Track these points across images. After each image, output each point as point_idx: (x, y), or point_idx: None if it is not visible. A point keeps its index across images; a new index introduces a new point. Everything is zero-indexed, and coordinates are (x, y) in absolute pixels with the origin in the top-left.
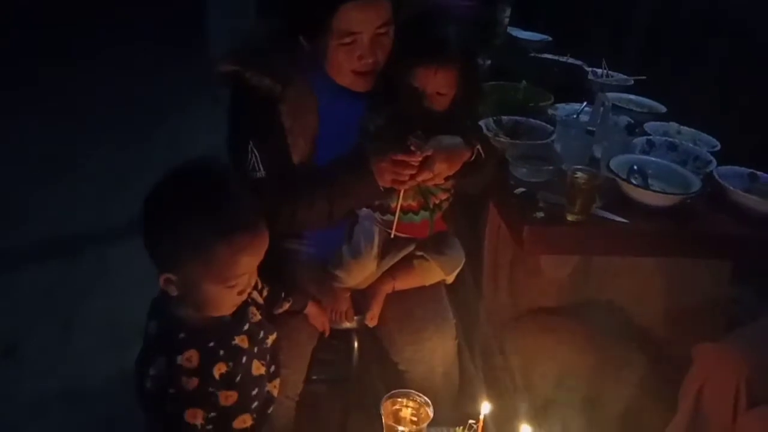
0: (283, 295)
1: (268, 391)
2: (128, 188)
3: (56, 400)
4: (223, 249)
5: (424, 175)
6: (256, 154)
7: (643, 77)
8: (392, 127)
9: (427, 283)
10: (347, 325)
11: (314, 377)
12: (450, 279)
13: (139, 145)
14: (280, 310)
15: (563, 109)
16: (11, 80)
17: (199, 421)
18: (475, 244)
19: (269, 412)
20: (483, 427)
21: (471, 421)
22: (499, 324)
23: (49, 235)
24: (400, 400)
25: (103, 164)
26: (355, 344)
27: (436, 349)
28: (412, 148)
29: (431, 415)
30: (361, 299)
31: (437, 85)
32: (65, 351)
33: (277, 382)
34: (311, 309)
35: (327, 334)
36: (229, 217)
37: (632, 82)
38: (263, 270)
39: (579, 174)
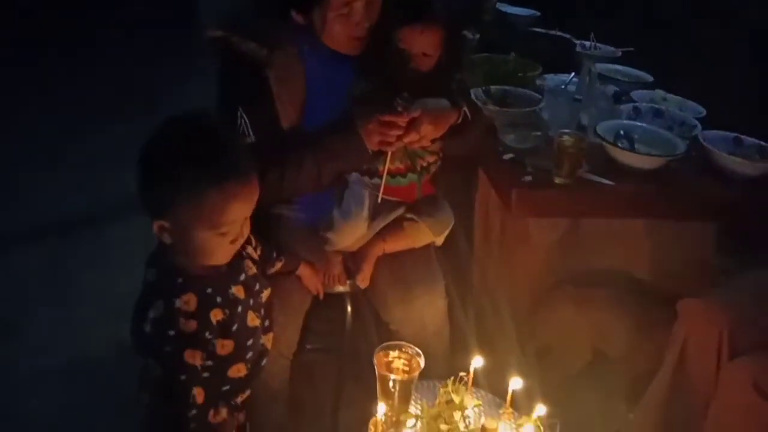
0: (275, 255)
1: (262, 344)
2: (122, 169)
3: (56, 372)
4: (214, 195)
5: (411, 137)
6: (246, 119)
7: (631, 48)
8: (379, 91)
9: (417, 245)
10: (340, 288)
11: (308, 347)
12: (439, 241)
13: (131, 127)
14: (273, 270)
15: (551, 79)
16: (9, 66)
17: (198, 362)
18: (466, 212)
19: (263, 364)
20: (473, 380)
21: (462, 374)
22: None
23: (46, 215)
24: (392, 352)
25: (97, 146)
26: (348, 308)
27: (425, 308)
28: (399, 109)
29: (422, 365)
30: (352, 263)
31: (423, 45)
32: (64, 325)
33: (270, 336)
34: (304, 270)
35: (321, 296)
36: (220, 163)
37: (620, 53)
38: (255, 235)
39: (566, 137)
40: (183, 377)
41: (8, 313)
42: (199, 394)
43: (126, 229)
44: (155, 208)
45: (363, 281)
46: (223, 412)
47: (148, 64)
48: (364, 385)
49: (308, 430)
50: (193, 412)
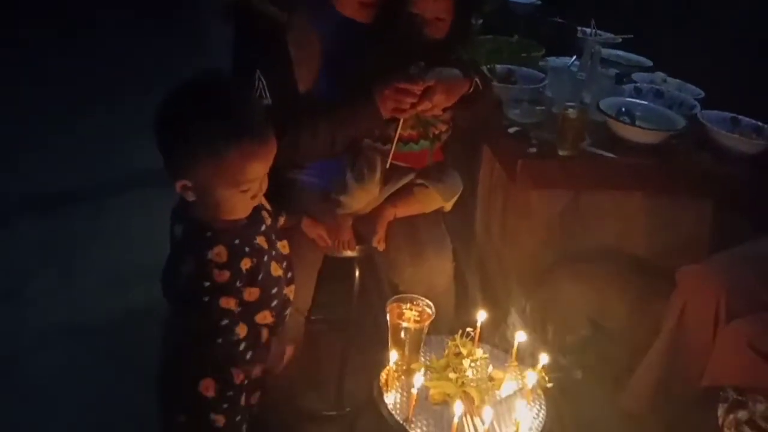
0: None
1: (285, 294)
2: (122, 145)
3: (58, 335)
4: (234, 154)
5: (424, 105)
6: (263, 81)
7: (630, 35)
8: (393, 57)
9: (426, 210)
10: (349, 253)
11: (313, 317)
12: (448, 206)
13: (131, 106)
14: (278, 226)
15: (554, 61)
16: (10, 43)
17: (233, 307)
18: (469, 190)
19: (286, 314)
20: (480, 334)
21: (468, 329)
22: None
23: (49, 189)
24: (404, 304)
25: (98, 123)
26: (357, 273)
27: (435, 269)
28: (414, 77)
29: (432, 315)
30: (362, 227)
31: (436, 9)
32: (66, 293)
33: (292, 288)
34: (307, 223)
35: (329, 244)
36: (239, 123)
37: (620, 39)
38: (268, 199)
39: (570, 110)
40: (225, 322)
41: (12, 281)
42: (242, 329)
43: (125, 204)
44: (176, 168)
45: (380, 243)
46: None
47: (147, 46)
48: (369, 354)
49: (313, 398)
50: (243, 345)
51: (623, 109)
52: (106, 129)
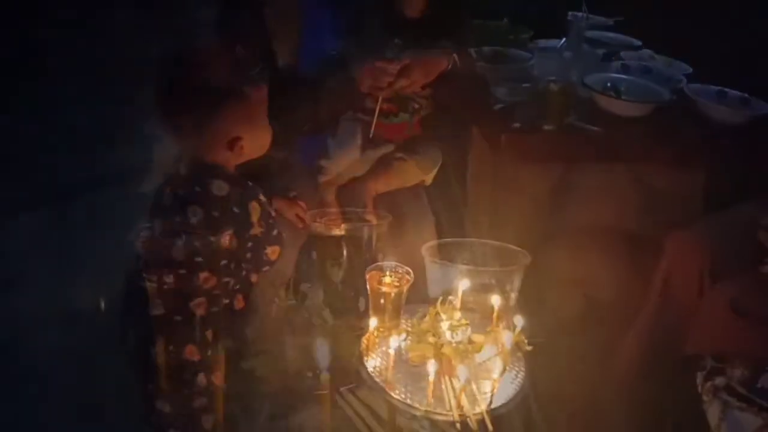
0: None
1: (266, 253)
2: (113, 143)
3: (56, 321)
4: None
5: (401, 83)
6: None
7: (621, 17)
8: (371, 33)
9: (407, 184)
10: (336, 232)
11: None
12: (428, 180)
13: (128, 103)
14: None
15: (543, 43)
16: (9, 43)
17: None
18: (461, 171)
19: (265, 270)
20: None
21: (450, 297)
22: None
23: (46, 182)
24: (384, 271)
25: (95, 119)
26: (344, 251)
27: (415, 243)
28: (390, 56)
29: (411, 279)
30: (348, 203)
31: None
32: (64, 281)
33: (276, 249)
34: (280, 204)
35: (307, 225)
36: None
37: (611, 23)
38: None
39: (552, 84)
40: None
41: (10, 270)
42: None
43: (120, 196)
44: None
45: (371, 215)
46: None
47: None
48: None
49: (305, 379)
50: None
51: (609, 84)
52: (103, 125)
